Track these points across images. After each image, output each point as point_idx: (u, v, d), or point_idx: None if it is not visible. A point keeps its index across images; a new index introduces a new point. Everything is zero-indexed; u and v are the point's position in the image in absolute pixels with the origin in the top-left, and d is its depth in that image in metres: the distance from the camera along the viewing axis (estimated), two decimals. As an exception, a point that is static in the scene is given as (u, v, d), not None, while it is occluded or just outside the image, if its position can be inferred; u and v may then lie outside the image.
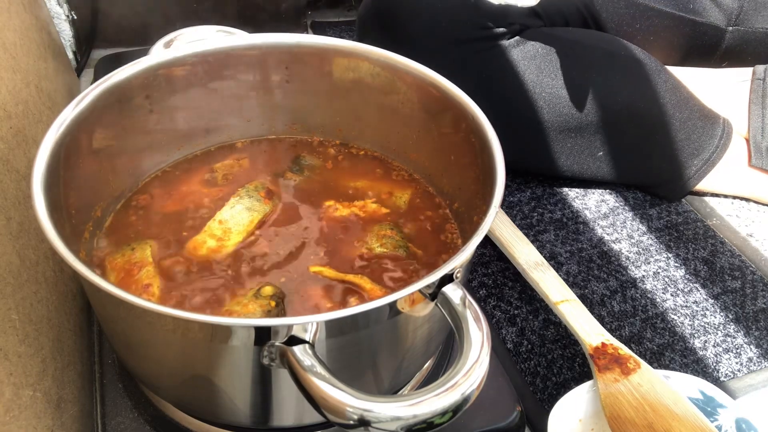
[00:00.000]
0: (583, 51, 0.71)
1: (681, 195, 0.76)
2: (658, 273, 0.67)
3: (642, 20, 0.78)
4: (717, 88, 0.80)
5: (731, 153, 0.74)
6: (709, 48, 0.82)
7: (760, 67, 0.77)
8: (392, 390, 0.42)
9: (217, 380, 0.35)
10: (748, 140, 0.76)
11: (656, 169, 0.75)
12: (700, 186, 0.75)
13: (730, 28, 0.80)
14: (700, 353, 0.59)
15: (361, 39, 0.49)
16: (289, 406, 0.37)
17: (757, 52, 0.81)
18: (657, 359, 0.58)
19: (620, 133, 0.72)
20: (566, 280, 0.59)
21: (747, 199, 0.77)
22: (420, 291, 0.32)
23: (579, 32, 0.74)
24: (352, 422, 0.27)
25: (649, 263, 0.68)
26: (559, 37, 0.71)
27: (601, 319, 0.56)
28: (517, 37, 0.70)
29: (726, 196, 0.77)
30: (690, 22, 0.71)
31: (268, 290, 0.40)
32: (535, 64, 0.69)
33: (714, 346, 0.59)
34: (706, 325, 0.61)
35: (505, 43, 0.69)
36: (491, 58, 0.70)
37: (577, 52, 0.71)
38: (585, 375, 0.55)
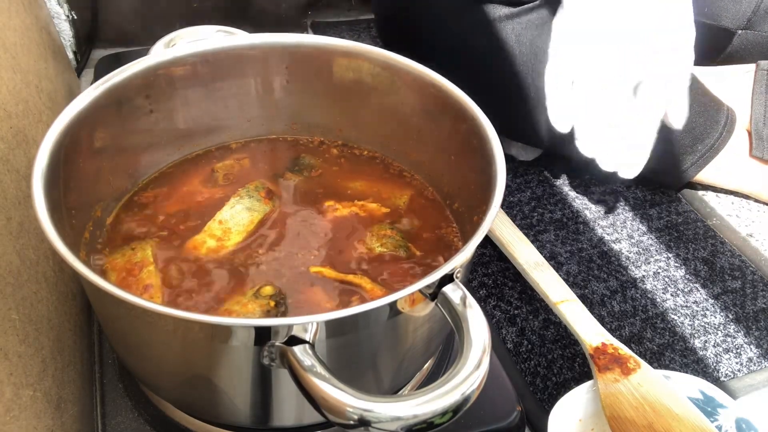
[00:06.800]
0: None
1: (681, 183, 0.76)
2: (658, 273, 0.67)
3: None
4: (720, 79, 0.80)
5: (733, 143, 0.74)
6: (715, 50, 0.82)
7: (765, 62, 0.77)
8: (392, 390, 0.42)
9: (217, 380, 0.35)
10: (749, 131, 0.75)
11: (658, 154, 0.74)
12: (700, 177, 0.75)
13: (740, 31, 0.80)
14: (700, 353, 0.59)
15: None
16: (289, 406, 0.37)
17: (761, 56, 0.81)
18: (657, 359, 0.58)
19: None
20: (566, 280, 0.58)
21: (746, 196, 0.77)
22: (420, 291, 0.32)
23: None
24: (352, 422, 0.27)
25: (649, 263, 0.68)
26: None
27: (601, 319, 0.56)
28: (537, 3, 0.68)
29: (725, 191, 0.77)
30: (701, 24, 0.70)
31: (268, 290, 0.40)
32: (545, 32, 0.68)
33: (714, 346, 0.59)
34: (706, 325, 0.61)
35: (528, 13, 0.67)
36: (502, 27, 0.68)
37: None
38: (585, 375, 0.55)
